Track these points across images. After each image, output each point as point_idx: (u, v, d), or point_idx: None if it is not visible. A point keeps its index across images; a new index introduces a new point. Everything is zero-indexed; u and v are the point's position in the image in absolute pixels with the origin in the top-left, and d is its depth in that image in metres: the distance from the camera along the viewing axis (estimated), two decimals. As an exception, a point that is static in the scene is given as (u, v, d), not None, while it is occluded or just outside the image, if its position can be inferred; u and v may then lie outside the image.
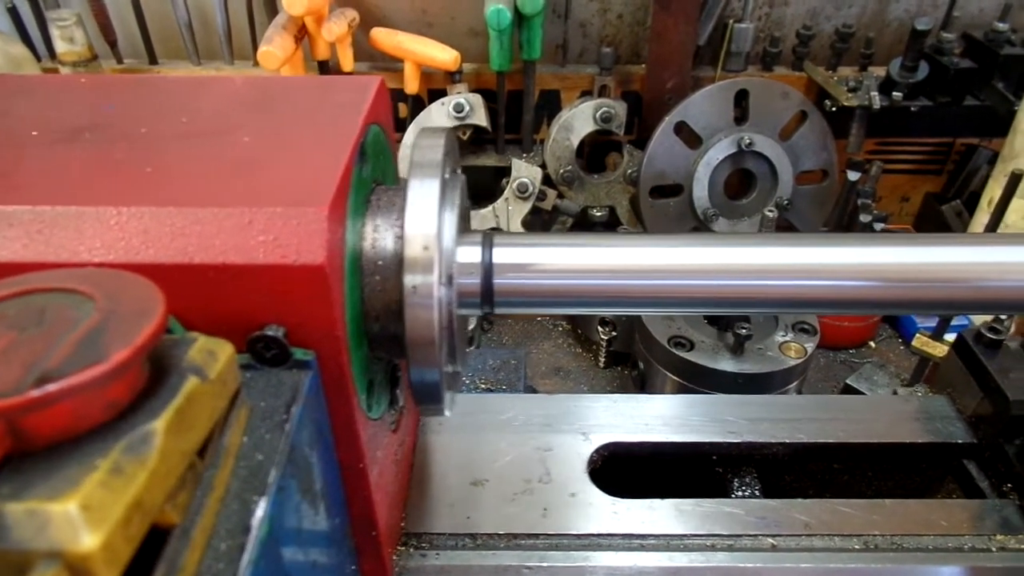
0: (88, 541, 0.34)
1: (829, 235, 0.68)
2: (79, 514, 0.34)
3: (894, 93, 1.85)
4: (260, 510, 0.48)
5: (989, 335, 1.01)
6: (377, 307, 0.64)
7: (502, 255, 0.68)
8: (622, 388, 1.77)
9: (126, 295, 0.42)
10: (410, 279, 0.59)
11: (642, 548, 0.86)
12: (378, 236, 0.64)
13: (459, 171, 0.74)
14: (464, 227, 0.73)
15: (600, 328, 1.79)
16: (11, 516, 0.34)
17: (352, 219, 0.60)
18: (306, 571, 0.57)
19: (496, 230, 0.90)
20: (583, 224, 2.08)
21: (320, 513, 0.60)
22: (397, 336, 0.65)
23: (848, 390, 1.69)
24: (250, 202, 0.53)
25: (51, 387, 0.35)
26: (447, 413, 0.70)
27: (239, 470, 0.49)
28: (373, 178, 0.69)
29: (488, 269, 0.68)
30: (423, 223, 0.59)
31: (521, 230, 2.00)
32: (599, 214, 2.04)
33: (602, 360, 1.84)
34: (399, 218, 0.64)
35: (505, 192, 1.99)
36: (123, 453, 0.38)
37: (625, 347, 1.79)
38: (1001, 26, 1.85)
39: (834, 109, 1.93)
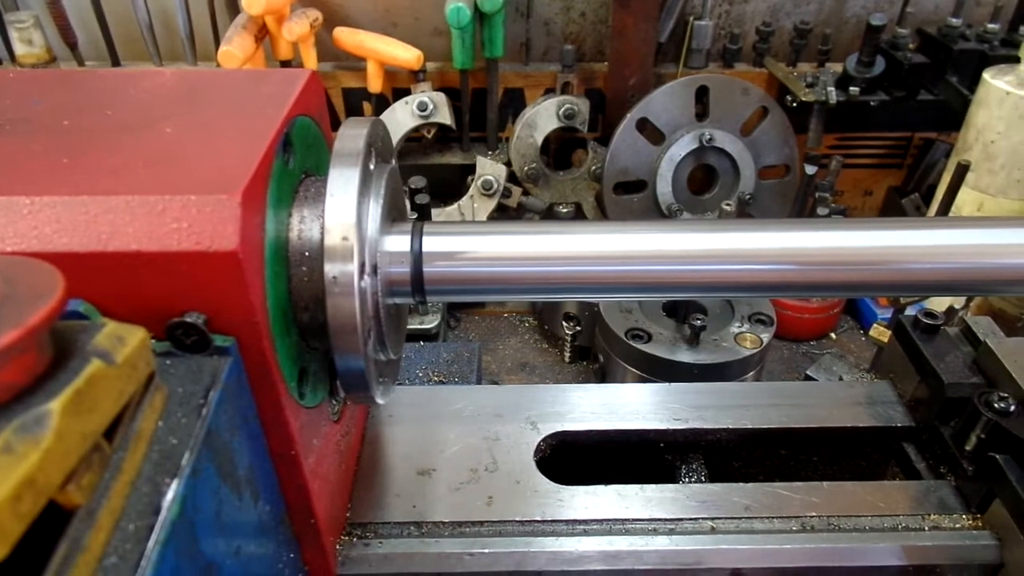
0: (-29, 517, 0.35)
1: (746, 221, 0.70)
2: (-36, 490, 0.35)
3: (851, 88, 1.88)
4: (171, 492, 0.48)
5: (926, 320, 1.03)
6: (306, 297, 0.65)
7: (432, 244, 0.70)
8: (587, 382, 1.79)
9: (25, 280, 0.43)
10: (330, 268, 0.60)
11: (584, 533, 0.87)
12: (304, 227, 0.65)
13: (392, 162, 0.76)
14: (397, 217, 0.74)
15: (565, 323, 1.80)
16: None
17: (275, 209, 0.61)
18: (230, 556, 0.57)
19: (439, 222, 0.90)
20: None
21: (245, 499, 0.61)
22: (326, 325, 0.66)
23: (808, 380, 1.72)
24: (164, 190, 0.54)
25: (-64, 367, 0.35)
26: (380, 401, 0.71)
27: (152, 454, 0.50)
28: (303, 169, 0.69)
29: (418, 258, 0.69)
30: (342, 213, 0.60)
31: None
32: (565, 211, 2.05)
33: (567, 355, 1.85)
34: (323, 210, 0.65)
35: (470, 190, 2.00)
36: (15, 433, 0.39)
37: (589, 341, 1.80)
38: (954, 21, 1.89)
39: (795, 105, 1.95)
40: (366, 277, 0.62)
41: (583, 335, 1.79)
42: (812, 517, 0.90)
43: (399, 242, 0.69)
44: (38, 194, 0.52)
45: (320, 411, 0.75)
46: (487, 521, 0.88)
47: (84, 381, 0.43)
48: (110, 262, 0.53)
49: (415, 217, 1.55)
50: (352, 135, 0.64)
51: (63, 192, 0.53)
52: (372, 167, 0.67)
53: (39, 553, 0.42)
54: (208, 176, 0.56)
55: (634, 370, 1.46)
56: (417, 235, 0.70)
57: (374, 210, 0.65)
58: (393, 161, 0.77)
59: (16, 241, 0.52)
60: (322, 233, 0.63)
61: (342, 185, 0.60)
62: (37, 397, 0.41)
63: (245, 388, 0.60)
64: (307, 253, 0.65)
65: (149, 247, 0.53)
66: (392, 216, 0.72)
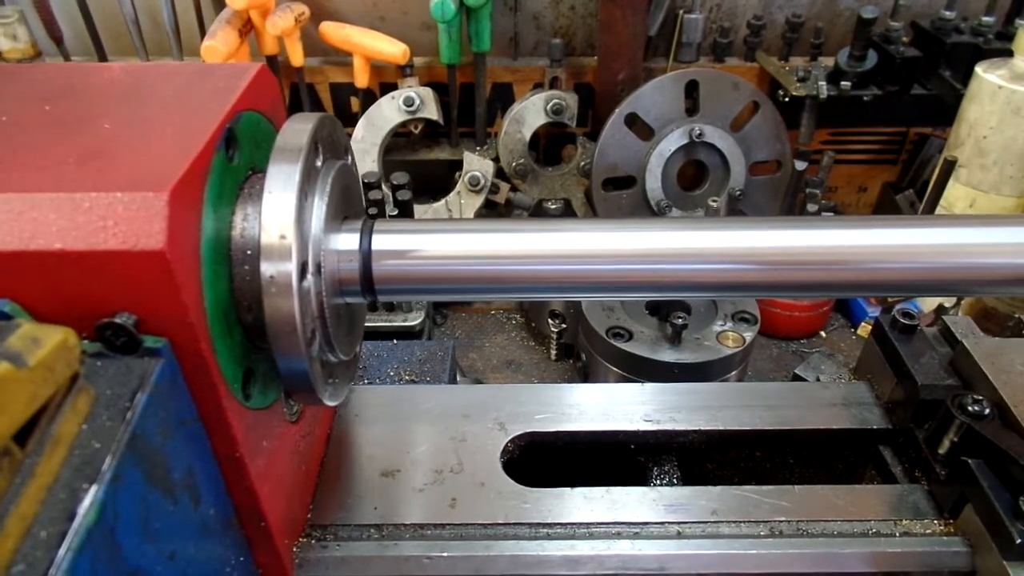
0: None
1: (708, 219, 0.68)
2: None
3: (843, 82, 1.86)
4: (88, 498, 0.47)
5: (903, 320, 1.01)
6: (249, 297, 0.64)
7: (381, 242, 0.68)
8: (572, 381, 1.77)
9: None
10: (267, 268, 0.58)
11: (547, 537, 0.86)
12: (247, 225, 0.64)
13: (347, 158, 0.74)
14: (350, 214, 0.73)
15: (551, 321, 1.79)
16: None
17: (214, 206, 0.60)
18: (161, 562, 0.56)
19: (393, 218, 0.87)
20: (538, 217, 2.08)
21: (183, 503, 0.59)
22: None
23: (796, 380, 1.70)
24: (92, 187, 0.53)
25: None
26: (329, 403, 0.70)
27: (72, 458, 0.49)
28: (249, 166, 0.68)
29: (367, 256, 0.68)
30: (279, 210, 0.58)
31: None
32: (554, 207, 2.03)
33: (553, 353, 1.84)
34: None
35: (457, 186, 1.99)
36: (-95, 439, 0.37)
37: (575, 339, 1.79)
38: (948, 14, 1.86)
39: (787, 99, 1.93)
40: (309, 276, 0.61)
41: (569, 333, 1.78)
42: (781, 522, 0.88)
43: (348, 240, 0.68)
44: (-40, 191, 0.51)
45: (272, 412, 0.74)
46: (449, 524, 0.87)
47: (-13, 385, 0.41)
48: (36, 261, 0.52)
49: (395, 214, 1.54)
50: (295, 130, 0.63)
51: (-13, 188, 0.51)
52: (319, 163, 0.65)
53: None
54: (139, 173, 0.55)
55: (616, 369, 1.45)
56: (367, 233, 0.68)
57: (318, 207, 0.63)
58: (348, 157, 0.76)
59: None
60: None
61: (281, 181, 0.59)
62: (-66, 401, 0.40)
63: (182, 390, 0.59)
64: (249, 252, 0.63)
65: (75, 246, 0.52)
66: (344, 214, 0.70)
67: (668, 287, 0.65)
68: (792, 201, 1.89)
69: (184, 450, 0.60)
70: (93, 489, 0.47)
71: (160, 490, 0.56)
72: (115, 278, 0.53)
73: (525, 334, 1.94)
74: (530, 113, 1.95)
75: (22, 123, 0.61)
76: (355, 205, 0.75)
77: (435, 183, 2.06)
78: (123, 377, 0.54)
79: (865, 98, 1.94)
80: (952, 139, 1.77)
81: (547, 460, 1.03)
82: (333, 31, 1.88)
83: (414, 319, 1.68)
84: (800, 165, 1.78)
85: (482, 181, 1.95)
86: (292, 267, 0.58)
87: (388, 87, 1.98)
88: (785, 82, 1.90)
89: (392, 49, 1.86)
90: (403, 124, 1.95)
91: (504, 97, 2.05)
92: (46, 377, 0.47)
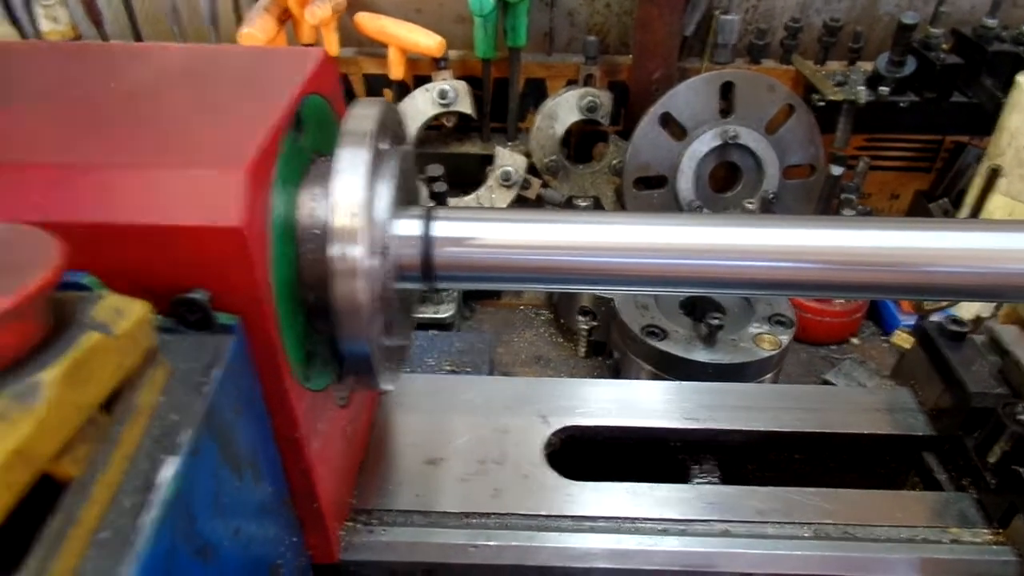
0: (-43, 484, 0.34)
1: (769, 217, 0.68)
2: (-48, 457, 0.34)
3: (881, 88, 1.84)
4: (169, 469, 0.47)
5: (952, 327, 1.00)
6: (312, 277, 0.64)
7: (442, 228, 0.68)
8: (602, 377, 1.77)
9: (21, 248, 0.42)
10: (337, 248, 0.58)
11: (592, 530, 0.86)
12: (315, 206, 0.64)
13: (405, 144, 0.74)
14: (410, 200, 0.73)
15: (581, 318, 1.78)
16: None
17: (283, 187, 0.60)
18: (228, 537, 0.56)
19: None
20: (568, 214, 2.07)
21: (247, 481, 0.60)
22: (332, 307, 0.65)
23: (826, 385, 1.68)
24: (169, 164, 0.53)
25: (-75, 329, 0.34)
26: (385, 387, 0.70)
27: (152, 429, 0.49)
28: (314, 149, 0.68)
29: (428, 242, 0.68)
30: (350, 192, 0.58)
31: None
32: (584, 204, 2.03)
33: (582, 349, 1.83)
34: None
35: (489, 180, 1.99)
36: (9, 401, 0.38)
37: (605, 336, 1.78)
38: (990, 22, 1.84)
39: (822, 103, 1.91)
40: (374, 258, 0.61)
41: (599, 330, 1.77)
42: (827, 524, 0.87)
43: (410, 226, 0.68)
44: (45, 165, 0.51)
45: (327, 395, 0.74)
46: (493, 513, 0.87)
47: (81, 351, 0.42)
48: (115, 234, 0.52)
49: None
50: (362, 114, 0.63)
51: (70, 163, 0.52)
52: (383, 147, 0.65)
53: (32, 526, 0.41)
54: (215, 151, 0.55)
55: (649, 367, 1.44)
56: (428, 219, 0.68)
57: (384, 191, 0.63)
58: (408, 144, 0.76)
59: (21, 210, 0.51)
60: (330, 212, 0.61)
61: (351, 163, 0.59)
62: (32, 366, 0.40)
63: (249, 368, 0.59)
64: (315, 233, 0.63)
65: (152, 220, 0.52)
66: (405, 199, 0.70)
67: (734, 284, 0.65)
68: (826, 206, 1.88)
69: (249, 428, 0.60)
70: (173, 460, 0.48)
71: (229, 466, 0.56)
72: (190, 254, 0.53)
73: (553, 330, 1.94)
74: (563, 110, 1.94)
75: (94, 100, 0.61)
76: (413, 191, 0.75)
77: (465, 177, 2.06)
78: (197, 352, 0.55)
79: (902, 104, 1.92)
80: (992, 148, 1.75)
81: (584, 454, 1.03)
82: (369, 22, 1.88)
83: (445, 311, 1.68)
84: (836, 170, 1.77)
85: (514, 176, 1.95)
86: (361, 249, 0.58)
87: (422, 79, 1.98)
88: (821, 86, 1.89)
89: (428, 41, 1.86)
90: (436, 117, 1.95)
91: (537, 93, 2.04)
92: (130, 348, 0.47)
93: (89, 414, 0.43)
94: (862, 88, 1.83)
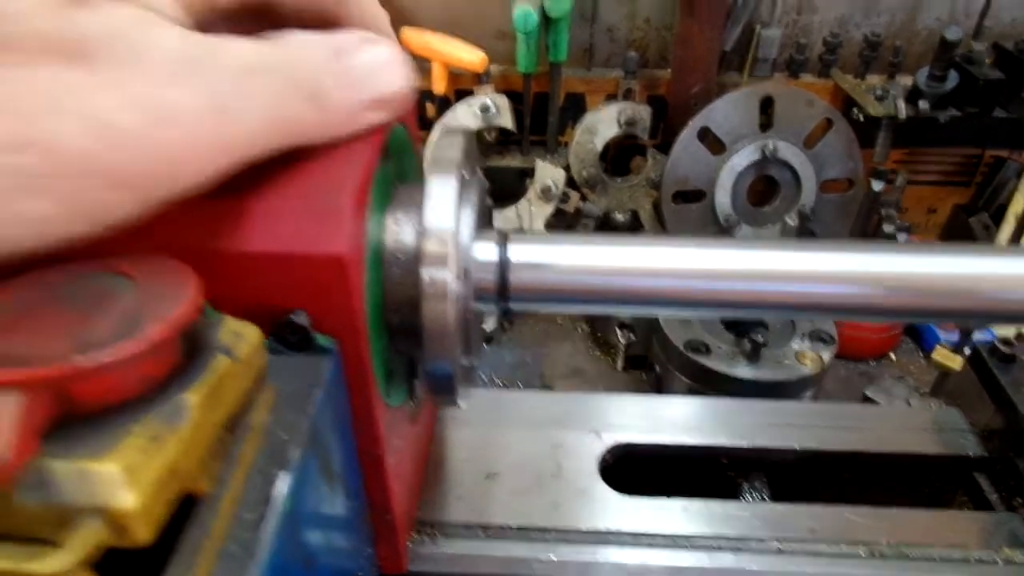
0: (128, 499, 0.37)
1: (861, 241, 0.70)
2: (120, 474, 0.37)
3: (921, 103, 1.85)
4: (282, 484, 0.50)
5: (1003, 349, 1.01)
6: (396, 299, 0.67)
7: (518, 252, 0.71)
8: (639, 391, 1.79)
9: (162, 277, 0.45)
10: (427, 272, 0.61)
11: (650, 546, 0.88)
12: (399, 230, 0.67)
13: (479, 172, 0.77)
14: (482, 225, 0.76)
15: (619, 331, 1.80)
16: (60, 474, 0.37)
17: (374, 213, 0.63)
18: (324, 550, 0.59)
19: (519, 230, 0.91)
20: (605, 227, 2.10)
21: (338, 495, 0.63)
22: (415, 328, 0.67)
23: (866, 402, 1.69)
24: (280, 193, 0.56)
25: (97, 357, 0.38)
26: (462, 406, 0.73)
27: (264, 447, 0.52)
28: (396, 174, 0.71)
29: (504, 266, 0.70)
30: (441, 218, 0.61)
31: (542, 231, 2.03)
32: (621, 218, 2.05)
33: (620, 363, 1.85)
34: (419, 213, 0.67)
35: (528, 193, 2.02)
36: (160, 421, 0.41)
37: (643, 351, 1.80)
38: (1033, 38, 1.84)
39: (861, 118, 1.92)
40: (459, 282, 0.64)
41: (637, 344, 1.79)
42: (880, 544, 0.89)
43: (486, 249, 0.70)
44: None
45: (401, 412, 0.77)
46: (552, 528, 0.89)
47: (215, 375, 0.45)
48: (225, 259, 0.56)
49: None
50: (449, 143, 0.66)
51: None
52: (466, 176, 0.68)
53: (165, 539, 0.44)
54: (318, 179, 0.58)
55: (690, 383, 1.46)
56: (504, 243, 0.71)
57: (467, 217, 0.66)
58: (479, 171, 0.79)
59: (143, 236, 0.54)
60: (418, 237, 0.64)
61: (441, 191, 0.62)
62: (174, 389, 0.43)
63: (342, 388, 0.62)
64: (399, 257, 0.66)
65: (262, 248, 0.55)
66: (479, 223, 0.73)
67: (819, 309, 0.67)
68: (866, 221, 1.88)
69: (340, 445, 0.63)
70: (285, 476, 0.51)
71: (326, 481, 0.59)
72: (295, 279, 0.57)
73: (590, 343, 1.96)
74: (603, 124, 1.97)
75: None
76: (486, 215, 0.78)
77: (504, 190, 2.09)
78: (299, 373, 0.58)
79: (941, 119, 1.92)
80: (1034, 164, 1.75)
81: (634, 469, 1.05)
82: (414, 37, 1.92)
83: (487, 325, 1.71)
84: (877, 186, 1.77)
85: (554, 190, 1.97)
86: (450, 273, 0.61)
87: (463, 94, 2.02)
88: (862, 100, 1.90)
89: (471, 57, 1.89)
90: (476, 131, 1.99)
91: (576, 107, 2.07)
92: (247, 371, 0.50)
93: (218, 434, 0.46)
94: (902, 103, 1.84)
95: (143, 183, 0.44)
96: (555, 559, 0.85)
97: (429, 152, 0.67)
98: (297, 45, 0.54)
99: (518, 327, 2.00)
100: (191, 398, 0.43)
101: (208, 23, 0.49)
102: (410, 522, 0.86)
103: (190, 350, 0.47)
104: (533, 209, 2.02)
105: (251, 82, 0.47)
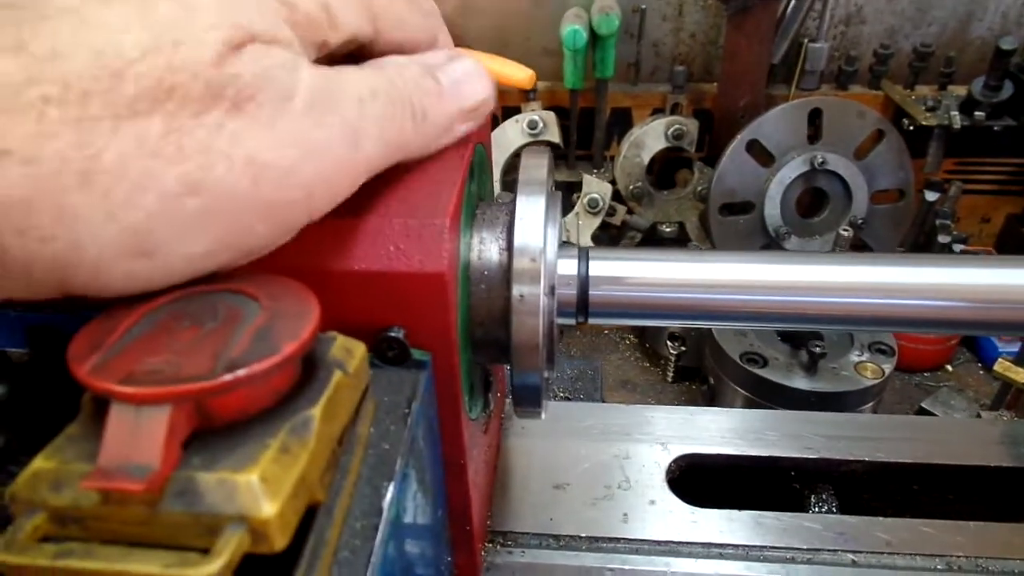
0: (268, 508, 0.39)
1: (925, 255, 0.70)
2: (259, 485, 0.40)
3: (976, 112, 1.82)
4: (389, 494, 0.52)
5: (1079, 360, 0.99)
6: (482, 314, 0.69)
7: (598, 268, 0.72)
8: (691, 403, 1.78)
9: (285, 297, 0.48)
10: (517, 289, 0.63)
11: (721, 556, 0.88)
12: (484, 248, 0.69)
13: (556, 189, 0.79)
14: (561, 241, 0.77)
15: (669, 343, 1.80)
16: (205, 484, 0.39)
17: (463, 232, 0.65)
18: (415, 558, 0.61)
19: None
20: (651, 240, 2.10)
21: (430, 505, 0.65)
22: (499, 341, 0.69)
23: (923, 414, 1.66)
24: (381, 213, 0.59)
25: (240, 373, 0.40)
26: (543, 416, 0.74)
27: (368, 458, 0.54)
28: (478, 195, 0.74)
29: (584, 281, 0.72)
30: (531, 236, 0.63)
31: (591, 244, 2.04)
32: (668, 230, 2.06)
33: (670, 374, 1.85)
34: (503, 231, 0.69)
35: (576, 207, 2.04)
36: (289, 434, 0.43)
37: (694, 362, 1.80)
38: (1091, 44, 1.81)
39: (911, 128, 1.91)
40: (546, 298, 0.66)
41: (687, 355, 1.79)
42: (958, 557, 0.88)
43: (568, 265, 0.72)
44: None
45: (478, 423, 0.79)
46: (623, 538, 0.90)
47: (333, 389, 0.47)
48: (332, 279, 0.58)
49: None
50: (535, 164, 0.68)
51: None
52: (550, 193, 0.70)
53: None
54: (417, 201, 0.60)
55: (746, 394, 1.45)
56: (584, 259, 0.73)
57: (552, 234, 0.68)
58: (557, 190, 0.81)
59: (257, 262, 0.57)
60: (505, 254, 0.66)
61: (530, 210, 0.64)
62: (298, 403, 0.46)
63: (434, 400, 0.64)
64: (486, 272, 0.68)
65: (367, 267, 0.57)
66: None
67: (891, 322, 0.67)
68: (919, 231, 1.86)
69: (431, 455, 0.65)
70: (391, 486, 0.53)
71: (422, 491, 0.61)
72: (396, 296, 0.59)
73: (639, 354, 1.96)
74: (650, 138, 1.98)
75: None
76: (561, 231, 0.80)
77: (551, 204, 2.11)
78: (396, 386, 0.60)
79: (996, 128, 1.90)
80: (1095, 172, 1.71)
81: (700, 481, 1.05)
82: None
83: (538, 336, 1.72)
84: (931, 196, 1.75)
85: (601, 203, 1.99)
86: (540, 289, 0.63)
87: (511, 111, 2.04)
88: (912, 111, 1.88)
89: (520, 75, 1.91)
90: (525, 146, 2.01)
91: (622, 121, 2.09)
92: (356, 384, 0.53)
93: (333, 446, 0.49)
94: (956, 113, 1.82)
95: (287, 214, 0.46)
96: (628, 569, 0.86)
97: (519, 171, 0.69)
98: (394, 67, 0.57)
99: (567, 337, 2.01)
100: (316, 411, 0.45)
101: (319, 61, 0.52)
102: (484, 532, 0.88)
103: (307, 366, 0.49)
104: (580, 222, 2.04)
105: (370, 108, 0.50)
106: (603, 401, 1.23)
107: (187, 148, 0.39)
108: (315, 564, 0.46)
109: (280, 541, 0.41)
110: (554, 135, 1.98)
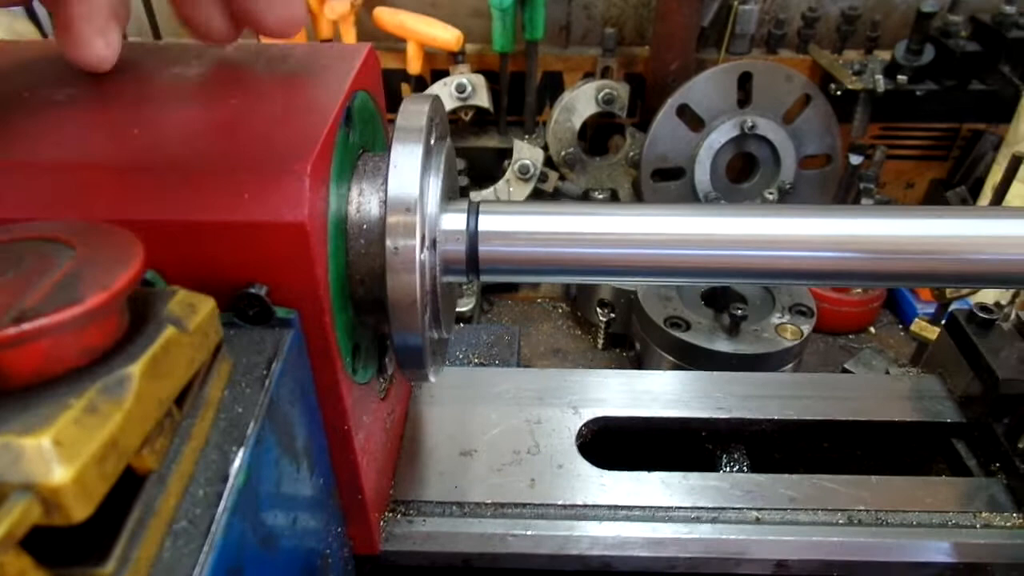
0: (60, 474, 0.35)
1: (812, 207, 0.68)
2: (52, 448, 0.35)
3: (899, 77, 1.84)
4: (238, 460, 0.49)
5: (981, 315, 1.00)
6: (362, 271, 0.65)
7: (488, 222, 0.69)
8: (620, 369, 1.78)
9: (104, 245, 0.43)
10: (392, 242, 0.59)
11: (627, 519, 0.87)
12: (363, 200, 0.65)
13: (447, 139, 0.75)
14: (451, 195, 0.74)
15: (599, 310, 1.79)
16: (-14, 449, 0.35)
17: (337, 183, 0.61)
18: (287, 527, 0.58)
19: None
20: (584, 206, 2.08)
21: (302, 472, 0.61)
22: (381, 300, 0.66)
23: (844, 374, 1.69)
24: (234, 161, 0.54)
25: (26, 325, 0.36)
26: (432, 379, 0.71)
27: (219, 421, 0.50)
28: (361, 144, 0.69)
29: (473, 236, 0.68)
30: (405, 186, 0.59)
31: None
32: (601, 197, 2.04)
33: (600, 342, 1.85)
34: (384, 183, 0.65)
35: (507, 174, 2.00)
36: (99, 394, 0.39)
37: (624, 329, 1.79)
38: (1009, 9, 1.84)
39: (839, 93, 1.92)
40: (425, 252, 0.62)
41: (617, 322, 1.78)
42: (859, 511, 0.88)
43: (455, 219, 0.68)
44: (113, 163, 0.53)
45: (370, 388, 0.76)
46: (529, 503, 0.88)
47: (160, 346, 0.43)
48: (179, 231, 0.54)
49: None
50: (415, 111, 0.64)
51: (136, 161, 0.53)
52: (432, 143, 0.66)
53: (108, 516, 0.42)
54: (276, 148, 0.56)
55: (671, 358, 1.45)
56: (473, 213, 0.69)
57: (434, 186, 0.64)
58: (448, 139, 0.77)
59: (91, 208, 0.52)
60: (383, 207, 0.62)
61: (405, 158, 0.60)
62: (117, 360, 0.41)
63: (304, 361, 0.60)
64: (365, 227, 0.64)
65: (217, 217, 0.53)
66: (448, 194, 0.71)
67: (782, 274, 0.66)
68: (844, 196, 1.88)
69: (303, 420, 0.61)
70: (241, 452, 0.49)
71: (288, 456, 0.57)
72: (252, 250, 0.55)
73: (571, 323, 1.95)
74: (581, 102, 1.95)
75: (155, 97, 0.62)
76: (455, 186, 0.76)
77: (483, 171, 2.07)
78: (256, 346, 0.56)
79: (919, 93, 1.92)
80: (1010, 136, 1.75)
81: (612, 444, 1.04)
82: (388, 17, 1.89)
83: (465, 304, 1.69)
84: (855, 160, 1.77)
85: (532, 169, 1.95)
86: (416, 242, 0.59)
87: (439, 74, 1.99)
88: (839, 75, 1.89)
89: (446, 36, 1.86)
90: (453, 111, 1.96)
91: (554, 86, 2.05)
92: (200, 343, 0.48)
93: (166, 408, 0.45)
94: (880, 77, 1.83)
95: None
96: (531, 534, 0.84)
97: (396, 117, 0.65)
98: None
99: (497, 307, 1.99)
100: (135, 369, 0.41)
101: None
102: (382, 501, 0.84)
103: (136, 321, 0.45)
104: (512, 189, 2.00)
105: None
106: (519, 366, 1.20)
107: None
108: (140, 534, 0.42)
109: (80, 511, 0.36)
110: (483, 99, 1.93)
